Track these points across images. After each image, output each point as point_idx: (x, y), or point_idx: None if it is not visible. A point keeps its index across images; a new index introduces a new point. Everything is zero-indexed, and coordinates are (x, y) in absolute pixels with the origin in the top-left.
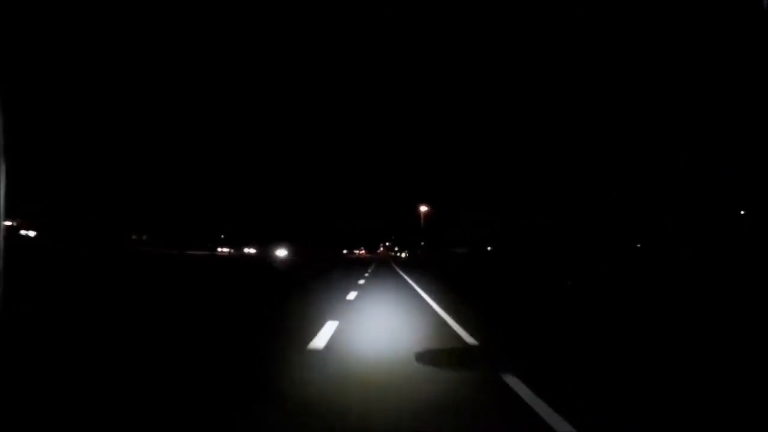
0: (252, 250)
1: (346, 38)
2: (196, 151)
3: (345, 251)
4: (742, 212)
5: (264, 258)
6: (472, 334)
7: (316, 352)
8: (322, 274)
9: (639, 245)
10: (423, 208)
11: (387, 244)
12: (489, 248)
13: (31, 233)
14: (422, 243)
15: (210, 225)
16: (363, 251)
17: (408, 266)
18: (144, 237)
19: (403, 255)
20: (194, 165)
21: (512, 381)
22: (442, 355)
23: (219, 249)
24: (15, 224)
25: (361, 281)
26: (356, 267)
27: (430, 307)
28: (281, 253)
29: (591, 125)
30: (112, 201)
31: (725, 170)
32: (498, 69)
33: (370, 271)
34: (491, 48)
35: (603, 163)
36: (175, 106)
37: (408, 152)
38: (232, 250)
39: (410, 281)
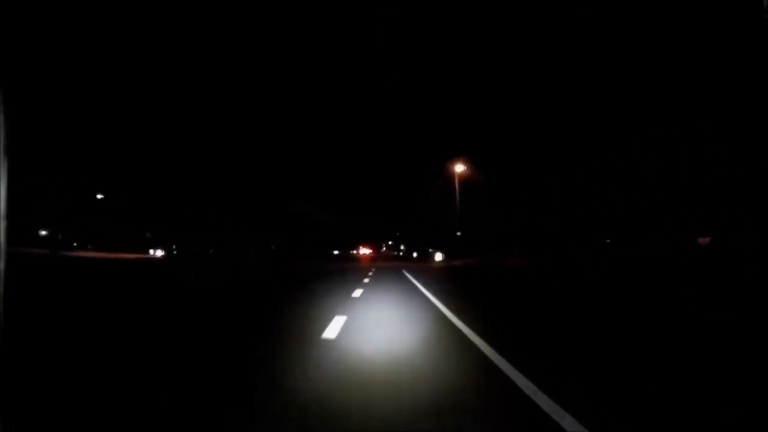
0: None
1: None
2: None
3: (336, 251)
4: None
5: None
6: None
7: None
8: None
9: (639, 244)
10: (459, 168)
11: (390, 243)
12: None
13: None
14: (458, 234)
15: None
16: (368, 250)
17: None
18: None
19: (437, 258)
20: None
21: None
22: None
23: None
24: None
25: None
26: None
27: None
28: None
29: (591, 125)
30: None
31: (725, 170)
32: (498, 69)
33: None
34: (491, 48)
35: (603, 163)
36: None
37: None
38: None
39: None
